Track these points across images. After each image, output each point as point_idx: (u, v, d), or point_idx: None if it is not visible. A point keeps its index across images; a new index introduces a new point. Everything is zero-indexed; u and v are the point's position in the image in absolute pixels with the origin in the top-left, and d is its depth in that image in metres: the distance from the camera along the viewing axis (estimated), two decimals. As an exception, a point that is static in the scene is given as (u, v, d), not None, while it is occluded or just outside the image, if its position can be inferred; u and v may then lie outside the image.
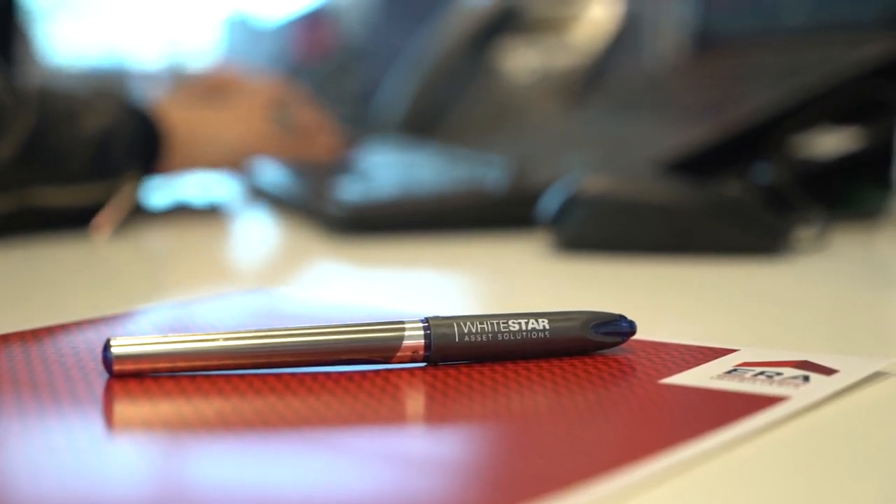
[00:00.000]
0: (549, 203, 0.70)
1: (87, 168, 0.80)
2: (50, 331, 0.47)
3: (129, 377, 0.40)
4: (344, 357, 0.41)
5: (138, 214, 0.86)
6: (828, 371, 0.40)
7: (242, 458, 0.33)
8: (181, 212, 0.93)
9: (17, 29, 0.97)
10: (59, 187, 0.79)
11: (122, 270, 0.72)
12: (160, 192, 0.95)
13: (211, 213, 0.94)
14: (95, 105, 0.82)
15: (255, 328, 0.41)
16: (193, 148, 0.91)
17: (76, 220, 0.79)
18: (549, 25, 1.23)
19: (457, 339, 0.41)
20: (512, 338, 0.42)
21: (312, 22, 1.84)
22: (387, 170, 0.94)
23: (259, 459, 0.33)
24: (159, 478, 0.32)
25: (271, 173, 1.01)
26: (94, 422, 0.37)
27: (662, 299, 0.59)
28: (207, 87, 1.03)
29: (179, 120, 0.90)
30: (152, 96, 0.98)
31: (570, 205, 0.69)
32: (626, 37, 1.18)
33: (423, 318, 0.42)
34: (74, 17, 2.61)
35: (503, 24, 1.24)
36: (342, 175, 0.95)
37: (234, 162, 0.97)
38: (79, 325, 0.49)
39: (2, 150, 0.75)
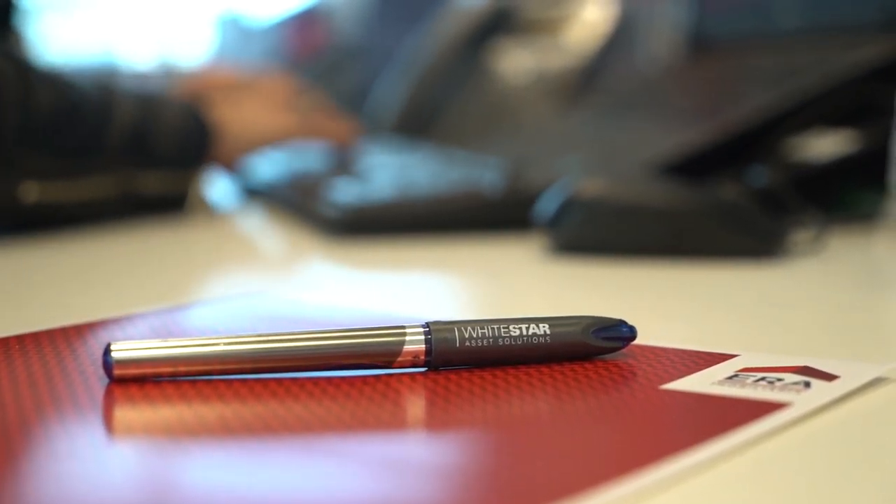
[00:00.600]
0: (546, 205, 0.70)
1: (170, 157, 0.88)
2: (49, 334, 0.47)
3: (129, 382, 0.39)
4: (345, 362, 0.41)
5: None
6: (829, 377, 0.40)
7: (244, 463, 0.33)
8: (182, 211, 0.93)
9: (13, 29, 0.98)
10: (153, 173, 0.87)
11: (118, 271, 0.71)
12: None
13: (205, 214, 0.94)
14: (173, 101, 0.91)
15: (254, 332, 0.41)
16: (239, 139, 0.96)
17: (161, 207, 0.89)
18: (543, 26, 1.23)
19: (458, 344, 0.41)
20: (513, 343, 0.42)
21: (305, 21, 1.84)
22: (382, 171, 0.94)
23: (260, 465, 0.33)
24: (160, 483, 0.32)
25: (266, 173, 1.01)
26: (95, 427, 0.37)
27: (659, 302, 0.59)
28: (218, 86, 1.05)
29: (225, 115, 0.95)
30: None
31: (567, 207, 0.69)
32: (620, 38, 1.18)
33: (424, 323, 0.42)
34: (65, 15, 2.61)
35: (497, 25, 1.24)
36: (353, 165, 0.97)
37: (265, 147, 1.01)
38: (77, 328, 0.48)
39: (110, 139, 0.84)
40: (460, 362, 0.42)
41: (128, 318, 0.51)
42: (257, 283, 0.67)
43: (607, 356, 0.43)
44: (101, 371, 0.40)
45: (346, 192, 0.82)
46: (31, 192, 0.79)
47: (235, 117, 0.96)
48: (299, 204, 0.88)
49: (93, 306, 0.56)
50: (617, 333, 0.43)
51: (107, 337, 0.46)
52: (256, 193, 1.02)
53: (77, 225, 0.82)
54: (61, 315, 0.51)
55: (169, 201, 0.90)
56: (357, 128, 1.11)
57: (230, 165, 0.98)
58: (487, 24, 1.24)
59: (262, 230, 0.91)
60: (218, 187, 1.05)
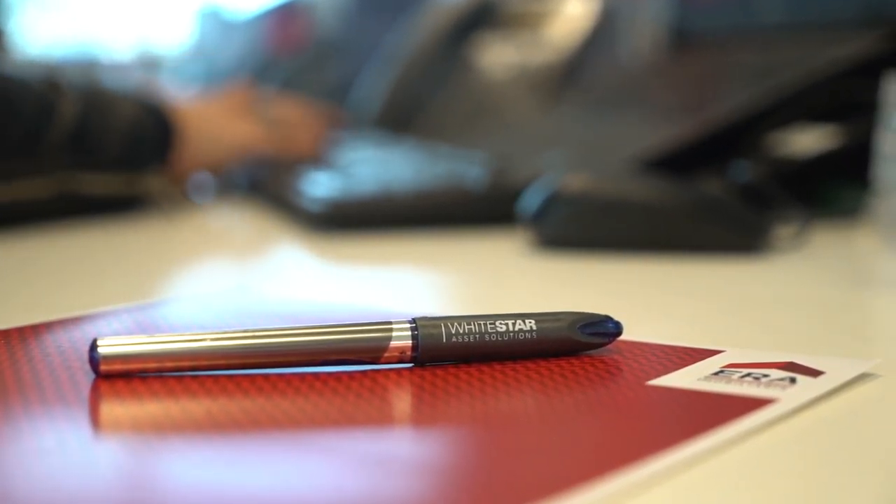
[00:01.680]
0: (530, 200, 0.70)
1: (120, 158, 0.85)
2: (34, 329, 0.47)
3: (116, 377, 0.39)
4: (332, 357, 0.41)
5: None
6: (814, 373, 0.40)
7: (230, 458, 0.33)
8: (148, 208, 0.92)
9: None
10: (99, 174, 0.83)
11: (104, 266, 0.71)
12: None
13: (186, 210, 0.94)
14: (127, 98, 0.87)
15: (238, 328, 0.41)
16: (203, 146, 0.93)
17: (109, 208, 0.85)
18: (525, 21, 1.23)
19: (444, 340, 0.41)
20: (499, 338, 0.42)
21: (286, 14, 1.83)
22: (364, 165, 0.94)
23: (247, 460, 0.33)
24: (147, 478, 0.32)
25: (248, 169, 1.01)
26: (81, 422, 0.37)
27: (643, 298, 0.59)
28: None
29: (190, 117, 0.92)
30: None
31: (551, 202, 0.69)
32: (603, 33, 1.18)
33: (410, 319, 0.42)
34: (44, 8, 2.60)
35: (479, 19, 1.24)
36: (327, 166, 0.96)
37: (232, 161, 0.98)
38: (62, 323, 0.48)
39: (50, 137, 0.80)
40: (447, 358, 0.42)
41: (112, 313, 0.51)
42: (239, 279, 0.67)
43: (593, 352, 0.43)
44: (88, 366, 0.40)
45: (328, 187, 0.82)
46: None
47: (198, 121, 0.92)
48: (281, 198, 0.87)
49: (56, 303, 0.55)
50: (603, 329, 0.43)
51: (90, 332, 0.46)
52: (237, 188, 1.01)
53: (15, 226, 0.78)
54: (24, 311, 0.51)
55: (118, 203, 0.86)
56: (339, 116, 1.10)
57: (196, 171, 0.96)
58: (470, 18, 1.24)
59: (242, 225, 0.91)
60: (197, 183, 1.05)
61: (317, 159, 1.00)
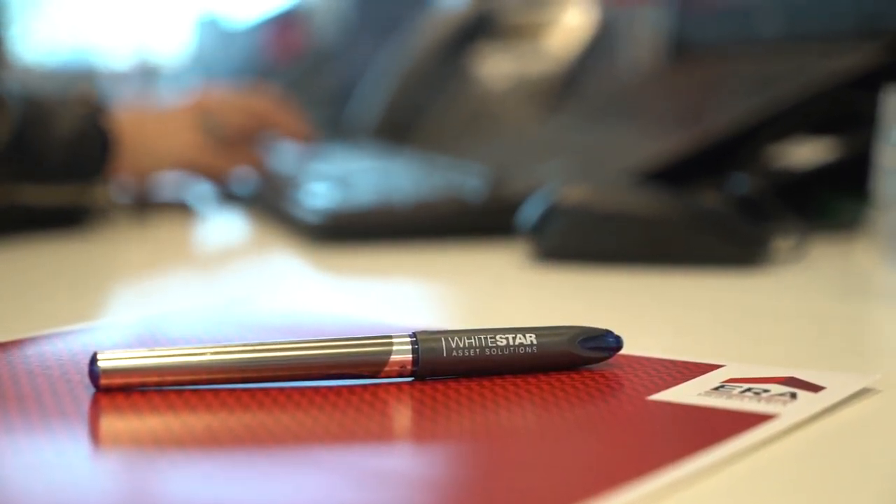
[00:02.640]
0: (529, 212, 0.70)
1: (63, 168, 0.82)
2: (33, 341, 0.47)
3: (115, 391, 0.39)
4: (332, 371, 0.41)
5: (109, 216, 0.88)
6: (815, 388, 0.40)
7: (230, 473, 0.33)
8: (153, 215, 0.92)
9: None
10: (40, 186, 0.80)
11: (95, 276, 0.71)
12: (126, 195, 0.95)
13: (183, 219, 0.93)
14: (68, 107, 0.84)
15: (238, 341, 0.41)
16: (139, 154, 0.91)
17: (53, 220, 0.81)
18: (524, 31, 1.23)
19: (444, 354, 0.41)
20: (499, 353, 0.42)
21: (284, 23, 1.83)
22: (363, 176, 0.94)
23: (246, 475, 0.33)
24: (146, 493, 0.32)
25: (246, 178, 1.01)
26: (81, 437, 0.36)
27: (642, 311, 0.59)
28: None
29: (127, 124, 0.90)
30: (119, 96, 0.98)
31: (550, 214, 0.69)
32: (601, 44, 1.18)
33: (410, 333, 0.42)
34: (43, 16, 2.60)
35: (478, 30, 1.24)
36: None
37: (173, 170, 0.97)
38: (60, 335, 0.48)
39: None
40: (447, 372, 0.42)
41: (111, 326, 0.51)
42: (237, 291, 0.67)
43: (594, 366, 0.43)
44: (87, 380, 0.40)
45: (327, 198, 0.82)
46: None
47: (134, 130, 0.90)
48: (280, 209, 0.87)
49: (33, 317, 0.55)
50: (603, 343, 0.43)
51: (89, 344, 0.46)
52: (236, 199, 1.01)
53: None
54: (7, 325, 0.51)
55: (66, 214, 0.83)
56: (308, 129, 1.08)
57: (138, 180, 0.94)
58: (469, 28, 1.24)
59: (242, 236, 0.91)
60: (194, 192, 1.04)
61: (257, 166, 1.00)
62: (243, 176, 1.00)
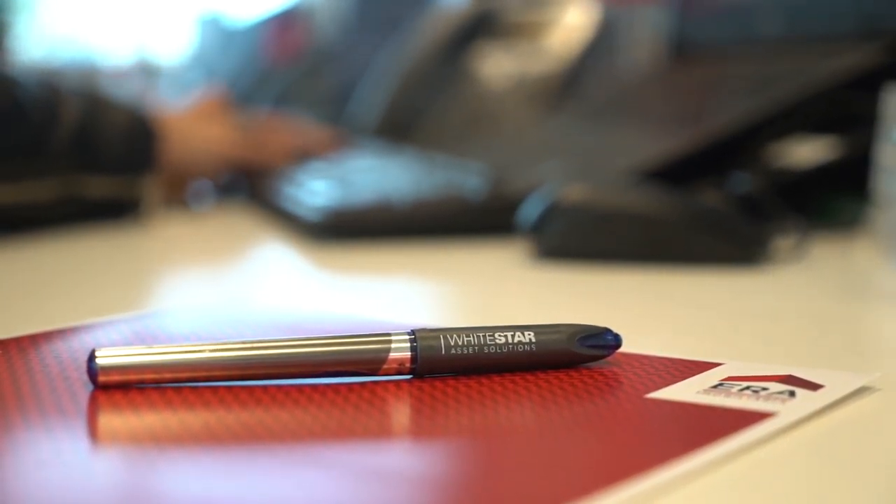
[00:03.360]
0: (529, 211, 0.70)
1: (118, 160, 0.86)
2: (32, 339, 0.47)
3: (114, 388, 0.39)
4: (331, 369, 0.41)
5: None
6: (813, 386, 0.40)
7: (228, 471, 0.33)
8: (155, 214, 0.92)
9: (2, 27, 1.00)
10: (99, 177, 0.85)
11: (97, 274, 0.71)
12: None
13: (181, 218, 0.93)
14: (119, 104, 0.89)
15: (237, 338, 0.41)
16: (185, 154, 0.94)
17: (107, 212, 0.86)
18: (525, 30, 1.23)
19: (443, 352, 0.41)
20: (498, 350, 0.42)
21: (285, 22, 1.83)
22: (363, 175, 0.94)
23: (245, 473, 0.33)
24: (144, 491, 0.32)
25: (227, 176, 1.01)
26: (79, 434, 0.36)
27: (642, 309, 0.59)
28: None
29: (173, 123, 0.93)
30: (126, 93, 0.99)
31: (550, 213, 0.69)
32: (602, 43, 1.18)
33: (409, 330, 0.42)
34: (45, 14, 2.60)
35: (479, 29, 1.24)
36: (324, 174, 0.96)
37: (214, 170, 0.99)
38: (60, 333, 0.48)
39: (55, 140, 0.81)
40: (446, 370, 0.42)
41: (109, 323, 0.51)
42: (236, 288, 0.67)
43: (592, 364, 0.43)
44: (86, 377, 0.40)
45: (326, 196, 0.82)
46: None
47: (178, 130, 0.93)
48: (279, 207, 0.87)
49: (52, 312, 0.55)
50: (602, 341, 0.43)
51: (88, 342, 0.46)
52: (238, 196, 1.01)
53: (20, 229, 0.80)
54: (21, 321, 0.51)
55: (118, 206, 0.87)
56: (339, 139, 1.10)
57: (181, 178, 0.97)
58: (469, 27, 1.24)
59: (241, 234, 0.91)
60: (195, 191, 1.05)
61: (285, 167, 1.01)
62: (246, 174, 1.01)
